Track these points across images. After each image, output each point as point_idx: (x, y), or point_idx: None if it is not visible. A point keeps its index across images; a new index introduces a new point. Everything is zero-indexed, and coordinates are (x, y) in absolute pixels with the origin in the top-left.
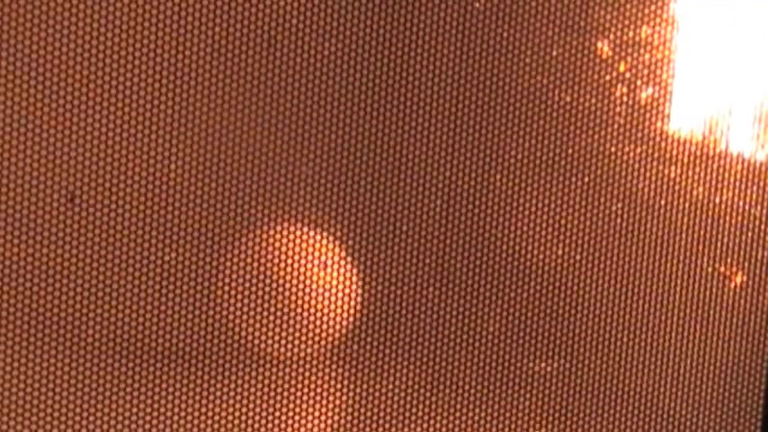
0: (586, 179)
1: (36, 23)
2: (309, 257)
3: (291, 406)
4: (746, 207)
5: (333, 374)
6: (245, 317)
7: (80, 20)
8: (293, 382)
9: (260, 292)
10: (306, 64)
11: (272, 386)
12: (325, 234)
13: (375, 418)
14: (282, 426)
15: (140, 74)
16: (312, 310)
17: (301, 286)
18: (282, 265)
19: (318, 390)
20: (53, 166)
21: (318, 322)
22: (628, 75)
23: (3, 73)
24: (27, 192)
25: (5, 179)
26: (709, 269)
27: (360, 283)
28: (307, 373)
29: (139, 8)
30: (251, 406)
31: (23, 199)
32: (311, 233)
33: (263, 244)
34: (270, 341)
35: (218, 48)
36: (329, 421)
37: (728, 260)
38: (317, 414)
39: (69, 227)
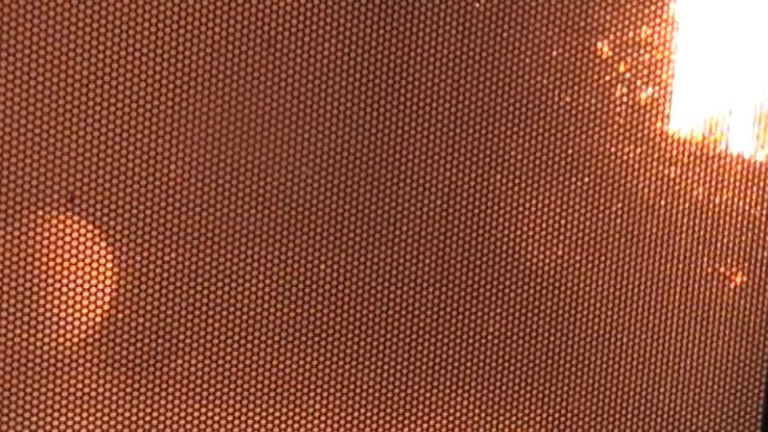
0: (586, 179)
1: (36, 23)
2: (309, 257)
3: (289, 405)
4: (746, 207)
5: (332, 374)
6: (244, 315)
7: (80, 20)
8: (293, 381)
9: (260, 292)
10: (306, 64)
11: (268, 386)
12: (325, 234)
13: (375, 418)
14: (284, 426)
15: (140, 74)
16: (312, 310)
17: (301, 286)
18: (282, 264)
19: (317, 389)
20: (53, 167)
21: (318, 322)
22: (628, 75)
23: (3, 73)
24: (27, 192)
25: (5, 179)
26: (710, 269)
27: (360, 283)
28: (307, 373)
29: (139, 8)
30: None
31: (23, 199)
32: (311, 233)
33: (263, 244)
34: (266, 339)
35: (218, 48)
36: (329, 422)
37: (728, 260)
38: (317, 416)
39: (69, 227)
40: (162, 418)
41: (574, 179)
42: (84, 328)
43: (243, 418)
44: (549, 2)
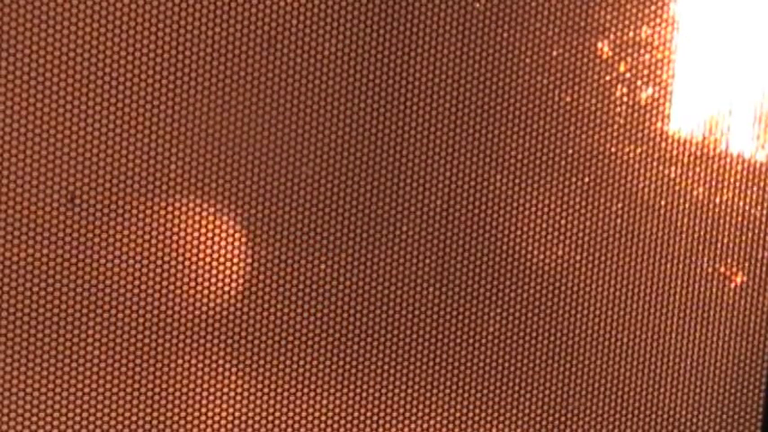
0: (586, 179)
1: (36, 23)
2: (310, 257)
3: (294, 406)
4: (746, 207)
5: (332, 374)
6: (244, 317)
7: (80, 20)
8: (292, 381)
9: (260, 292)
10: (306, 64)
11: (270, 385)
12: (325, 234)
13: (375, 418)
14: (284, 426)
15: (140, 74)
16: (312, 310)
17: (301, 286)
18: (283, 265)
19: (318, 390)
20: (53, 167)
21: (318, 322)
22: (628, 75)
23: (3, 73)
24: (27, 192)
25: (6, 179)
26: (710, 269)
27: (360, 283)
28: (307, 373)
29: (139, 8)
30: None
31: (23, 199)
32: (312, 232)
33: (264, 244)
34: (268, 341)
35: (218, 48)
36: (329, 422)
37: (728, 260)
38: (320, 414)
39: (69, 227)
40: (162, 418)
41: (574, 179)
42: (84, 328)
43: (243, 417)
44: (549, 2)
